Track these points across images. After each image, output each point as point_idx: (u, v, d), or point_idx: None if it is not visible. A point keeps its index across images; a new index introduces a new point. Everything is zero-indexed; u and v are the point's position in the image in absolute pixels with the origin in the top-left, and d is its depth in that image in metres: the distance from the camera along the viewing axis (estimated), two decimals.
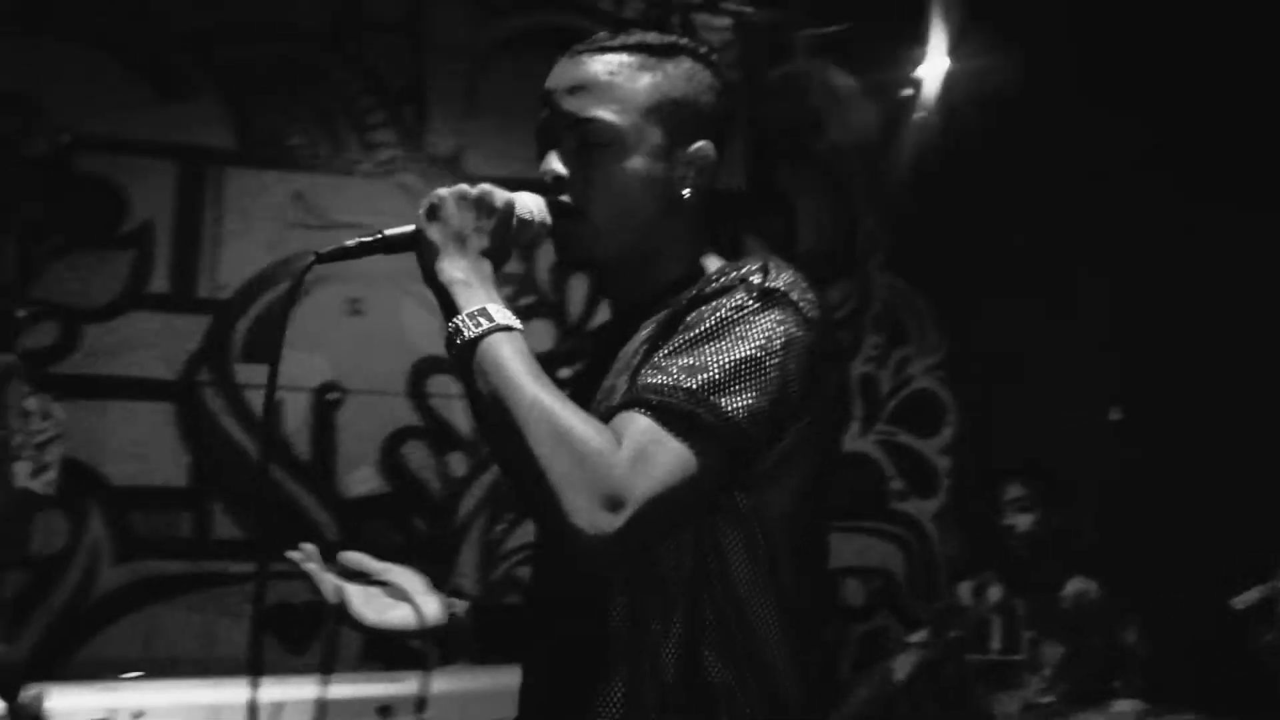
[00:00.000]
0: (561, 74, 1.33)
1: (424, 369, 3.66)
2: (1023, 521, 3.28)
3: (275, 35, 3.71)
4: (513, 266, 3.75)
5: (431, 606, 1.45)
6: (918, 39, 4.05)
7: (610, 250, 1.34)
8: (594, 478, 1.10)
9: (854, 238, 4.20)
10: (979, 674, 3.28)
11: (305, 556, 1.41)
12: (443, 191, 1.23)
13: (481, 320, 1.18)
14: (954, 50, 4.03)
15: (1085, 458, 3.71)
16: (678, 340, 1.19)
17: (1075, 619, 3.26)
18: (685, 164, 1.34)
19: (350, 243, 1.24)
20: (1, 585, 2.67)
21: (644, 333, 1.30)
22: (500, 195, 1.25)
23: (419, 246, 1.24)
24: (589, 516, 1.09)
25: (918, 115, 4.12)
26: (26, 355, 3.33)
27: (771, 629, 1.24)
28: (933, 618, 3.44)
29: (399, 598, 1.45)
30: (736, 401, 1.15)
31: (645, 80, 1.33)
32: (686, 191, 1.33)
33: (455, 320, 1.18)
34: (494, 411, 1.14)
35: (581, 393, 1.31)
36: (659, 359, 1.18)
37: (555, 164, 1.31)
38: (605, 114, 1.30)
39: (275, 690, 2.35)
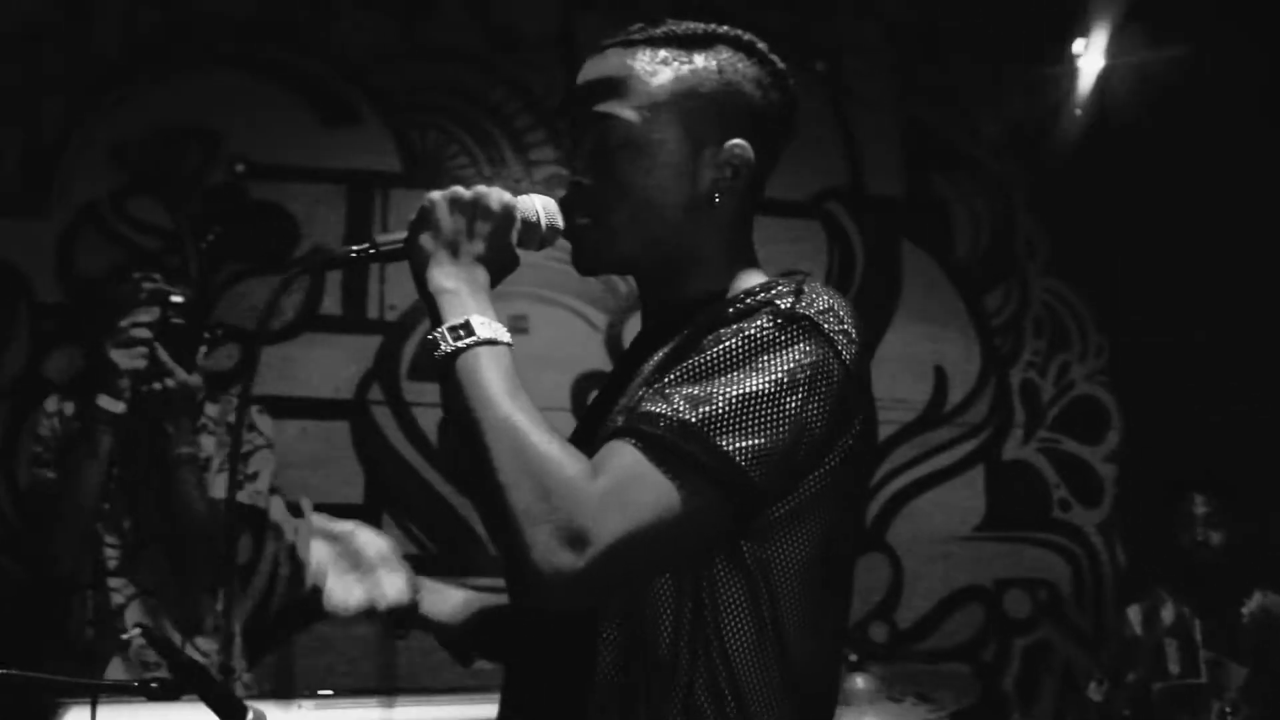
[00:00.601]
0: (585, 70, 1.25)
1: (586, 385, 3.70)
2: (1215, 537, 3.18)
3: (433, 58, 3.78)
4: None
5: (395, 583, 1.43)
6: (1076, 34, 3.94)
7: (626, 257, 1.25)
8: (558, 511, 0.99)
9: (1012, 241, 4.11)
10: (1159, 702, 3.19)
11: (311, 526, 1.46)
12: (434, 195, 1.18)
13: (461, 333, 1.09)
14: (1114, 46, 3.92)
15: (1259, 464, 3.58)
16: (687, 365, 1.07)
17: (1260, 637, 3.15)
18: (717, 165, 1.23)
19: (340, 252, 1.22)
20: (220, 609, 2.74)
21: (661, 351, 1.18)
22: (498, 197, 1.18)
23: (410, 254, 1.17)
24: (546, 553, 0.98)
25: (1077, 113, 4.01)
26: (209, 377, 3.47)
27: (771, 711, 1.09)
28: (1107, 662, 3.34)
29: (364, 568, 1.44)
30: (741, 442, 1.02)
31: (667, 74, 1.22)
32: (717, 195, 1.23)
33: (435, 333, 1.10)
34: (463, 431, 1.05)
35: (597, 411, 1.26)
36: (664, 384, 1.07)
37: (576, 164, 1.25)
38: (621, 111, 1.21)
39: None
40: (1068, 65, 3.99)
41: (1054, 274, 4.13)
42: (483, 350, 1.09)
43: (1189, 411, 3.81)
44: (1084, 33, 3.93)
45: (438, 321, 1.11)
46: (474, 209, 1.17)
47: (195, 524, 2.54)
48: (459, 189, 1.17)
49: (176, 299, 2.54)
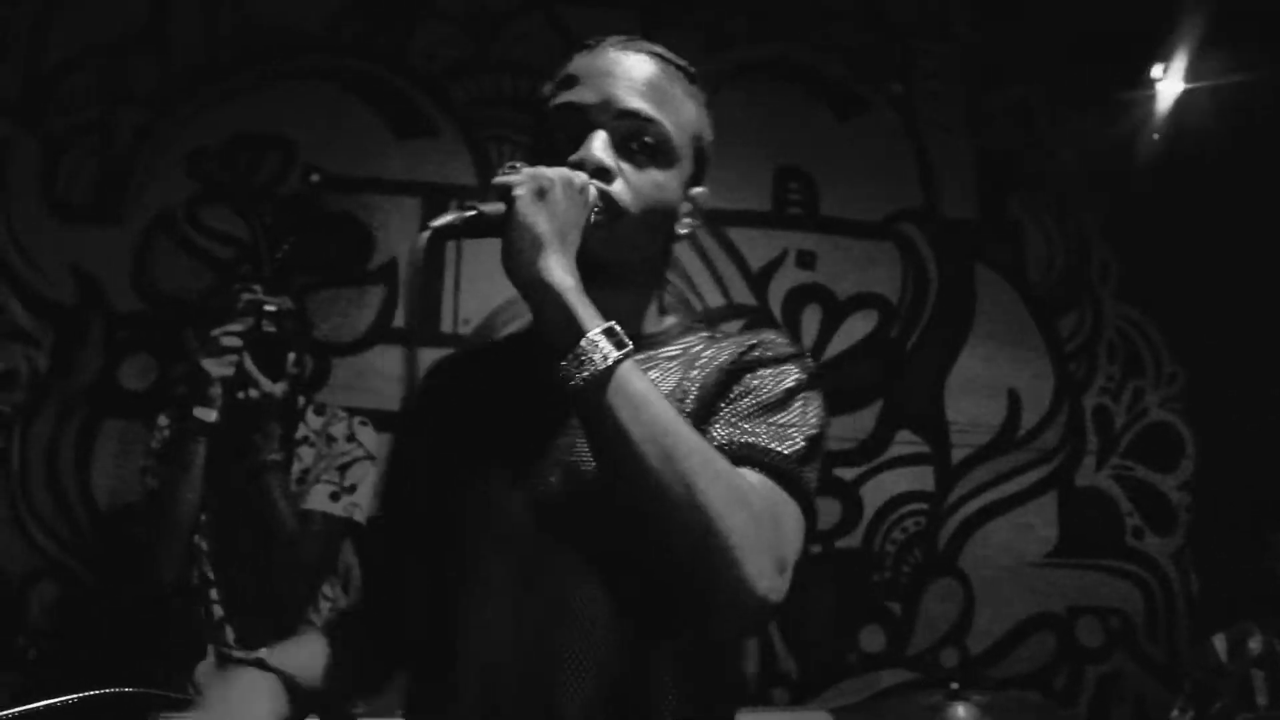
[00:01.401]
0: (622, 63, 1.22)
1: None
2: None
3: (507, 70, 3.76)
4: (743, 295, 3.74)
5: None
6: (1155, 59, 3.91)
7: (622, 257, 1.22)
8: (768, 538, 1.03)
9: (1086, 266, 4.07)
10: None
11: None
12: (550, 172, 1.08)
13: (613, 344, 1.03)
14: (1193, 70, 3.89)
15: None
16: (748, 403, 1.15)
17: None
18: (690, 203, 1.31)
19: (446, 221, 1.08)
20: (318, 619, 2.70)
21: (668, 376, 1.22)
22: (592, 189, 1.13)
23: (515, 231, 1.04)
24: (768, 580, 1.01)
25: (1155, 138, 3.98)
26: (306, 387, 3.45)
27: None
28: (1190, 691, 3.27)
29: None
30: (813, 475, 1.15)
31: (692, 110, 1.28)
32: (683, 231, 1.30)
33: (585, 341, 1.02)
34: (650, 454, 1.00)
35: (519, 408, 1.23)
36: (733, 417, 1.13)
37: (604, 151, 1.18)
38: (668, 124, 1.22)
39: None
40: (1146, 90, 3.95)
41: (1128, 299, 4.07)
42: (631, 364, 1.05)
43: (1266, 440, 3.75)
44: (1163, 57, 3.90)
45: (572, 325, 1.03)
46: (583, 198, 1.11)
47: (281, 533, 2.50)
48: (569, 172, 1.10)
49: (270, 307, 2.51)
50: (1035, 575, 3.87)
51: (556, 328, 1.04)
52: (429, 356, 3.46)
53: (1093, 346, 4.04)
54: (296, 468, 2.62)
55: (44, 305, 3.33)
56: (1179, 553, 3.99)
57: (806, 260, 3.84)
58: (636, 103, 1.20)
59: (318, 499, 2.60)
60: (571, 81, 1.22)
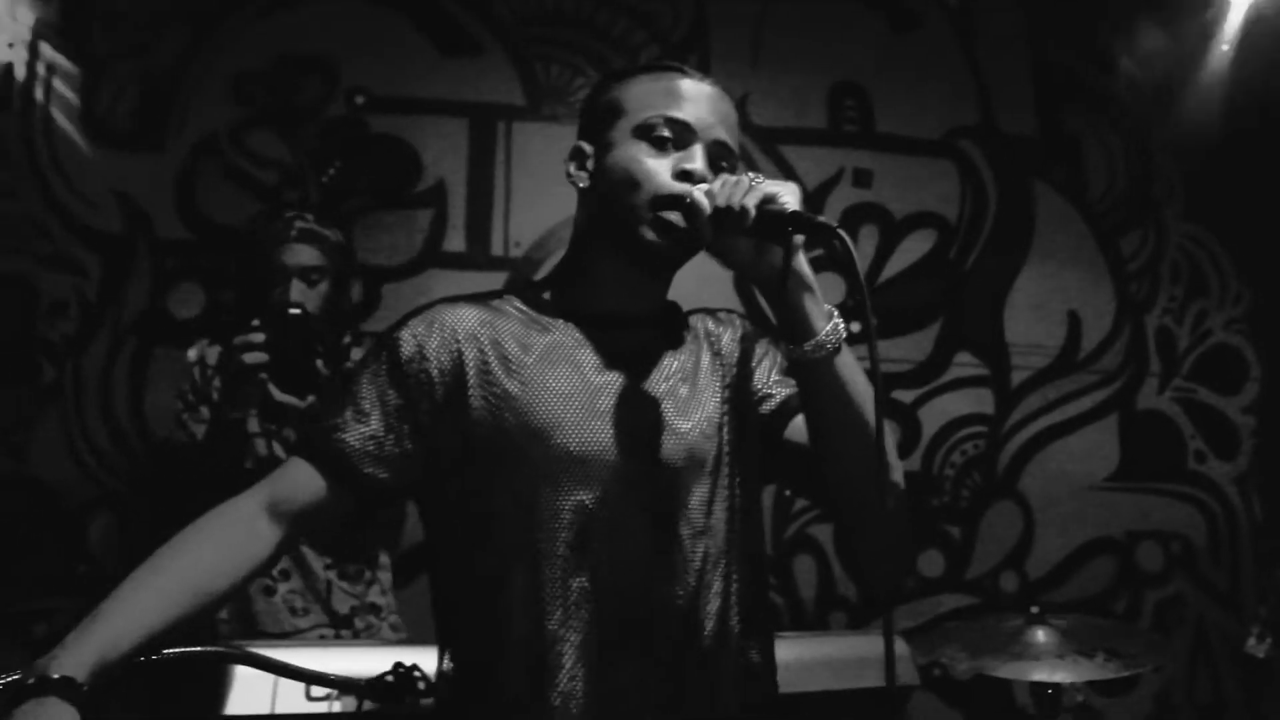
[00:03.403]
0: (718, 102, 1.46)
1: None
2: None
3: None
4: None
5: None
6: None
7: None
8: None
9: (1149, 183, 3.95)
10: None
11: None
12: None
13: (843, 323, 1.32)
14: None
15: None
16: (769, 367, 1.51)
17: None
18: None
19: (809, 218, 1.26)
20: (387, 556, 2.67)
21: (701, 358, 1.49)
22: None
23: (819, 236, 1.27)
24: (902, 480, 1.38)
25: (1223, 49, 3.83)
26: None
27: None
28: (1267, 616, 3.21)
29: None
30: None
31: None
32: None
33: (836, 320, 1.30)
34: (868, 405, 1.30)
35: (633, 390, 1.41)
36: (778, 378, 1.50)
37: (706, 166, 1.41)
38: (737, 155, 1.46)
39: None
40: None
41: (1193, 218, 3.96)
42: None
43: None
44: None
45: (819, 307, 1.30)
46: None
47: None
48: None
49: (294, 310, 2.37)
50: (1095, 499, 3.80)
51: (808, 312, 1.29)
52: (479, 279, 3.46)
53: (1155, 266, 3.94)
54: None
55: (90, 234, 3.27)
56: (1242, 477, 3.92)
57: (863, 179, 3.74)
58: (725, 136, 1.44)
59: None
60: (679, 97, 1.43)
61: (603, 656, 1.29)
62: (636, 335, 1.45)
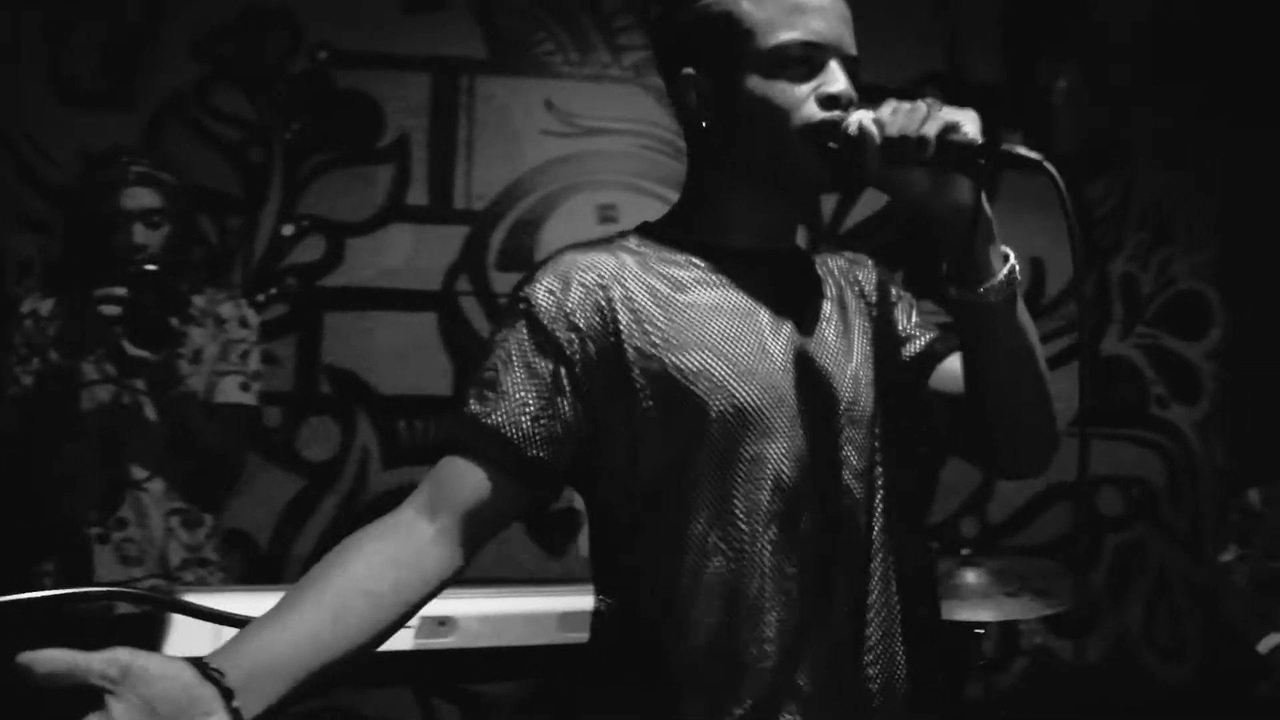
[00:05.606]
0: (836, 3, 1.30)
1: None
2: None
3: None
4: None
5: None
6: None
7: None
8: None
9: (1119, 130, 3.94)
10: (1269, 583, 3.13)
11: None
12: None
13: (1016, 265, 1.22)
14: None
15: None
16: (907, 309, 1.42)
17: None
18: None
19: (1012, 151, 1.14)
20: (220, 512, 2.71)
21: (845, 298, 1.39)
22: None
23: (1019, 168, 1.15)
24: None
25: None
26: (295, 270, 3.46)
27: None
28: (1231, 530, 3.26)
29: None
30: None
31: None
32: None
33: (1013, 263, 1.20)
34: (1039, 350, 1.25)
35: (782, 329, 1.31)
36: (918, 320, 1.41)
37: (849, 86, 1.27)
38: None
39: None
40: None
41: (1160, 165, 3.96)
42: None
43: None
44: None
45: (996, 248, 1.19)
46: None
47: (213, 454, 2.56)
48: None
49: (150, 267, 2.41)
50: None
51: (989, 252, 1.18)
52: (442, 233, 3.51)
53: (1122, 213, 3.95)
54: (188, 348, 2.56)
55: (54, 192, 3.32)
56: (1204, 421, 3.96)
57: None
58: (855, 49, 1.29)
59: (229, 391, 2.59)
60: (804, 10, 1.26)
61: (792, 600, 1.23)
62: (780, 273, 1.34)
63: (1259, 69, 3.74)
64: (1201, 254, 3.98)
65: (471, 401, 1.23)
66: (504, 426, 1.20)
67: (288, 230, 3.47)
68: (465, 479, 1.20)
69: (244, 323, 2.66)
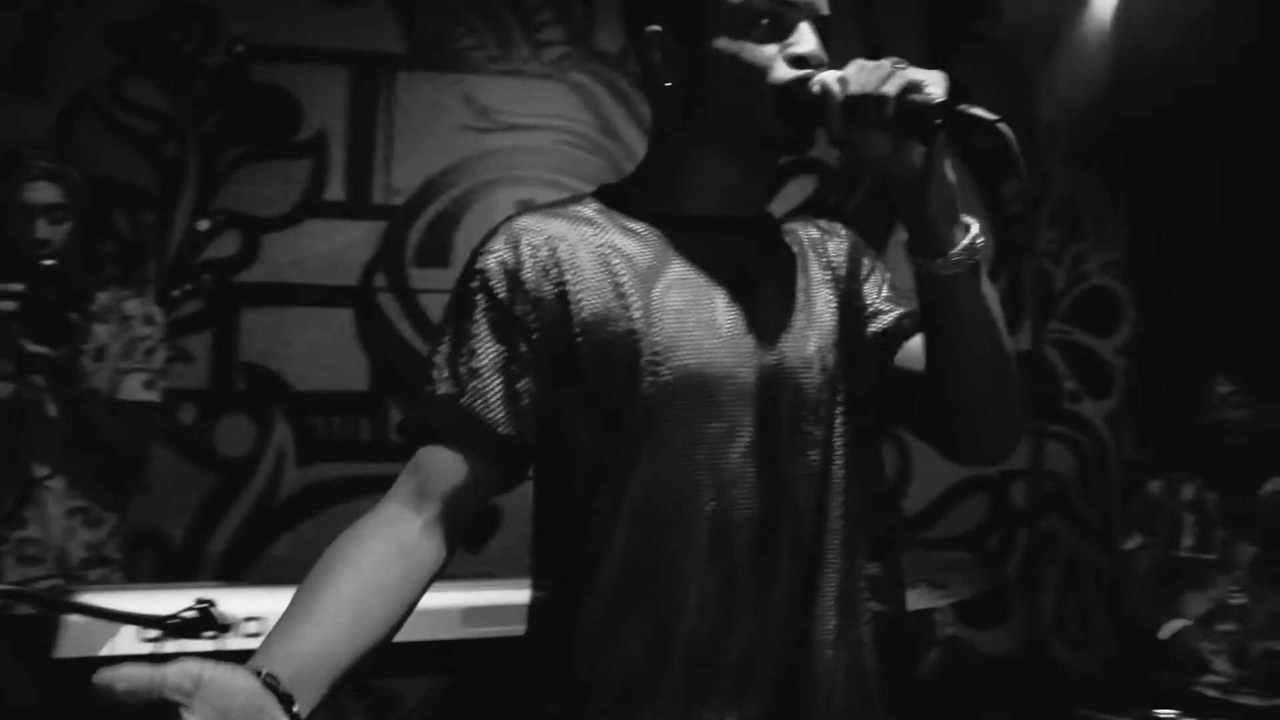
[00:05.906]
0: None
1: None
2: (1238, 417, 3.15)
3: None
4: None
5: None
6: None
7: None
8: None
9: (1032, 130, 4.01)
10: (1168, 570, 3.22)
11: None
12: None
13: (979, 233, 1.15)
14: None
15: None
16: (878, 281, 1.34)
17: (1274, 520, 3.15)
18: None
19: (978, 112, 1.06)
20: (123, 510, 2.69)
21: (810, 268, 1.31)
22: None
23: (974, 130, 1.07)
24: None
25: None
26: (210, 266, 3.43)
27: None
28: (1135, 519, 3.35)
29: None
30: None
31: None
32: None
33: (975, 232, 1.14)
34: (1000, 320, 1.18)
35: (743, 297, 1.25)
36: (889, 295, 1.33)
37: (819, 47, 1.22)
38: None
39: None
40: None
41: (1073, 163, 4.03)
42: None
43: (1206, 299, 3.75)
44: None
45: (956, 216, 1.13)
46: None
47: (116, 451, 2.56)
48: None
49: (50, 262, 2.40)
50: None
51: (948, 220, 1.12)
52: (359, 229, 3.51)
53: (1035, 210, 4.02)
54: (91, 345, 2.54)
55: None
56: (1114, 415, 4.05)
57: None
58: (827, 8, 1.24)
59: (132, 389, 2.58)
60: None
61: (729, 578, 1.19)
62: (741, 241, 1.28)
63: (1165, 69, 3.81)
64: (1112, 250, 4.06)
65: (439, 384, 1.20)
66: (478, 409, 1.18)
67: (203, 225, 3.44)
68: (446, 467, 1.18)
69: (149, 319, 2.65)
